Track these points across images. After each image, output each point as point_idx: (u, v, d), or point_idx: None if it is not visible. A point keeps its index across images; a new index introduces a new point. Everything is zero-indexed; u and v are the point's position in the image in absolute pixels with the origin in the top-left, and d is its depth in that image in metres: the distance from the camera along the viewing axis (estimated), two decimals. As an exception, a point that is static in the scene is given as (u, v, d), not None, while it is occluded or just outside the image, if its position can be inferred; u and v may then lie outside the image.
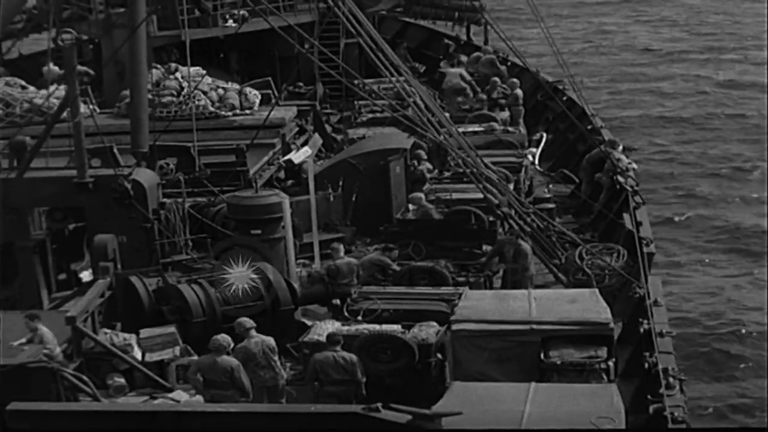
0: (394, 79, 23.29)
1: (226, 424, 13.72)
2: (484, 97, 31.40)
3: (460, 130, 25.50)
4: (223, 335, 16.87)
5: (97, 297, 18.13)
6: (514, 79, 32.17)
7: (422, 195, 23.10)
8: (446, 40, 38.72)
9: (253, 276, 18.66)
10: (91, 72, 31.15)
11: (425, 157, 25.74)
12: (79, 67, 30.52)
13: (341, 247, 21.23)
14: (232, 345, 16.79)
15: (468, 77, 31.75)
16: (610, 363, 16.35)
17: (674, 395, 15.71)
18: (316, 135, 29.16)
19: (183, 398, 16.53)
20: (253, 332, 17.29)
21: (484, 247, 21.73)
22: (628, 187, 24.17)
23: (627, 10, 71.47)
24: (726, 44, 61.22)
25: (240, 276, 18.67)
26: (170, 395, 16.78)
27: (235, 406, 15.28)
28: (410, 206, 23.08)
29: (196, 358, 17.26)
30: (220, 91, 27.54)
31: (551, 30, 31.96)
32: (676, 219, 35.26)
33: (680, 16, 68.60)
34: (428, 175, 25.36)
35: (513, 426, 13.49)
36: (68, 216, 21.76)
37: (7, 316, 17.63)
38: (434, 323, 17.60)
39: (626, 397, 15.18)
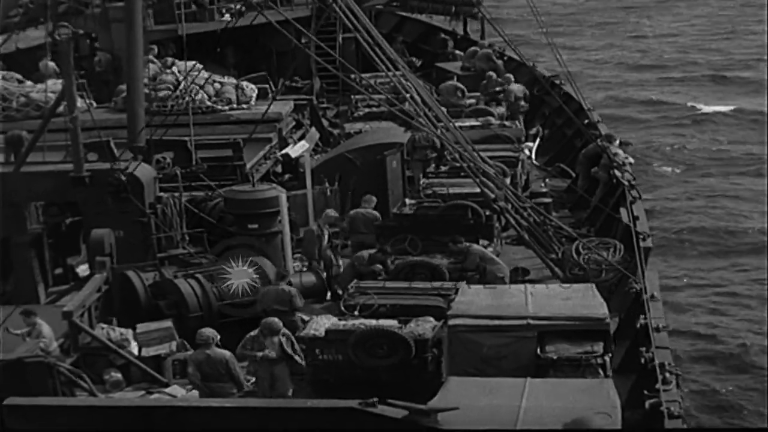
0: (390, 73, 23.26)
1: (222, 419, 13.73)
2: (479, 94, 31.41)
3: (457, 124, 25.47)
4: (209, 329, 16.95)
5: (94, 292, 18.15)
6: (509, 75, 32.14)
7: (333, 210, 22.92)
8: (443, 35, 38.71)
9: (254, 276, 18.70)
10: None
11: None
12: (104, 54, 30.55)
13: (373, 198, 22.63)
14: (218, 337, 16.82)
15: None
16: (607, 358, 16.32)
17: (671, 390, 15.62)
18: (313, 129, 29.16)
19: (179, 393, 16.55)
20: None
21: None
22: (624, 182, 24.11)
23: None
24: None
25: (240, 273, 18.71)
26: (166, 390, 16.81)
27: (231, 401, 15.29)
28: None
29: (191, 353, 17.27)
30: (217, 85, 27.53)
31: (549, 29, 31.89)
32: (673, 213, 35.26)
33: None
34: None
35: (509, 421, 13.47)
36: (65, 210, 21.77)
37: (4, 311, 17.62)
38: (431, 318, 17.60)
39: (622, 392, 15.15)
